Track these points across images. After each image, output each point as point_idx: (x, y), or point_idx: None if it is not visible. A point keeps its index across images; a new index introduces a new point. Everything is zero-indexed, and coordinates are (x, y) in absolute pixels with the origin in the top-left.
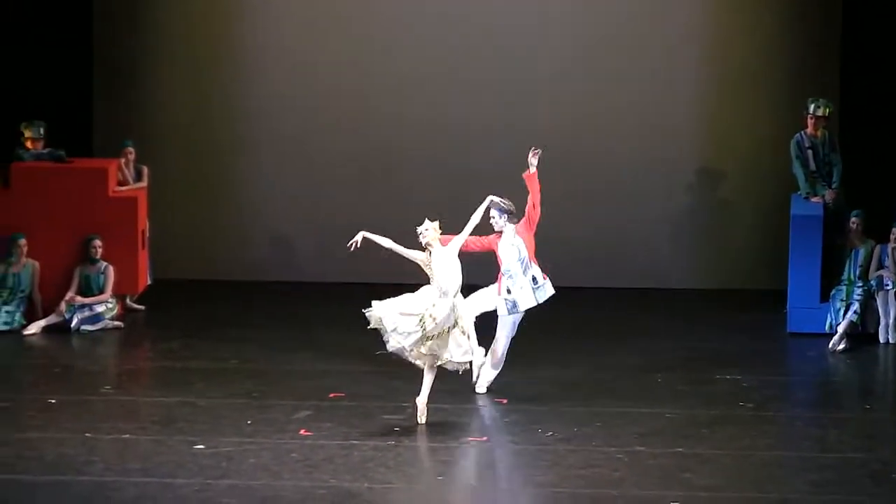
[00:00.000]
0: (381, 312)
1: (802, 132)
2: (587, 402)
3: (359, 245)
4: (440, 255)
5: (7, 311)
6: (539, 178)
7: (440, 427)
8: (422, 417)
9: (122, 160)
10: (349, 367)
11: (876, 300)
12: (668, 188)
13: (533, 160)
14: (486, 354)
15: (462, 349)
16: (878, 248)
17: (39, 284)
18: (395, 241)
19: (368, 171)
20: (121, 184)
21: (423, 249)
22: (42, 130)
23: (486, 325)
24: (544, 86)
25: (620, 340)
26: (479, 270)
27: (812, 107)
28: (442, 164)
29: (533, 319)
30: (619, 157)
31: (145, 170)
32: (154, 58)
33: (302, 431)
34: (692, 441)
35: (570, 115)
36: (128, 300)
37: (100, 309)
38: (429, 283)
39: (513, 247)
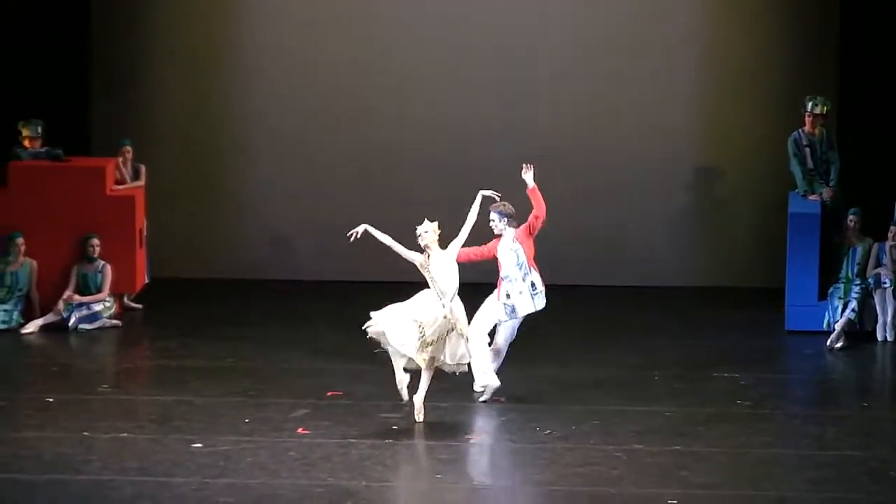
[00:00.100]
0: (383, 327)
1: (800, 130)
2: (584, 401)
3: (359, 235)
4: (438, 257)
5: (5, 310)
6: (537, 175)
7: (438, 426)
8: (419, 416)
9: (120, 159)
10: (347, 366)
11: (874, 298)
12: (666, 187)
13: (527, 176)
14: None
15: (460, 352)
16: (875, 246)
17: (37, 283)
18: (395, 241)
19: (368, 171)
20: (118, 183)
21: (422, 251)
22: (40, 129)
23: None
24: (544, 86)
25: (618, 338)
26: (478, 269)
27: (810, 105)
28: (442, 164)
29: (530, 318)
30: (617, 156)
31: (143, 169)
32: (152, 56)
33: (299, 430)
34: (690, 439)
35: (569, 114)
36: (125, 299)
37: (97, 308)
38: (425, 284)
39: (512, 252)
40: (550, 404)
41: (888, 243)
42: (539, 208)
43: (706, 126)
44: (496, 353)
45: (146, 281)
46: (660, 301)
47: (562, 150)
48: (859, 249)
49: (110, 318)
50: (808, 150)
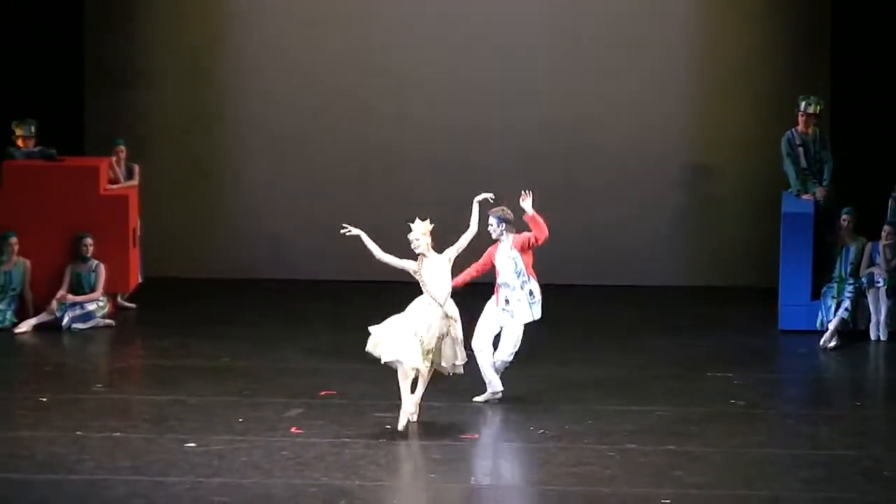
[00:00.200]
0: (384, 348)
1: (794, 130)
2: (578, 400)
3: (351, 233)
4: (432, 263)
5: None
6: (535, 172)
7: (432, 425)
8: (413, 416)
9: (114, 158)
10: (340, 365)
11: (867, 297)
12: (660, 186)
13: (525, 203)
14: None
15: (455, 355)
16: (869, 246)
17: (31, 282)
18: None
19: (368, 171)
20: (112, 182)
21: (415, 257)
22: (33, 129)
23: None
24: (543, 86)
25: (611, 338)
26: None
27: (803, 104)
28: (442, 164)
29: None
30: (611, 155)
31: (136, 168)
32: (146, 56)
33: (293, 429)
34: (683, 439)
35: (563, 114)
36: (119, 298)
37: (91, 307)
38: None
39: (510, 259)
40: (544, 404)
41: (881, 243)
42: (540, 233)
43: (700, 125)
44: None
45: (140, 280)
46: (653, 300)
47: (556, 150)
48: (853, 249)
49: (104, 317)
50: (801, 149)
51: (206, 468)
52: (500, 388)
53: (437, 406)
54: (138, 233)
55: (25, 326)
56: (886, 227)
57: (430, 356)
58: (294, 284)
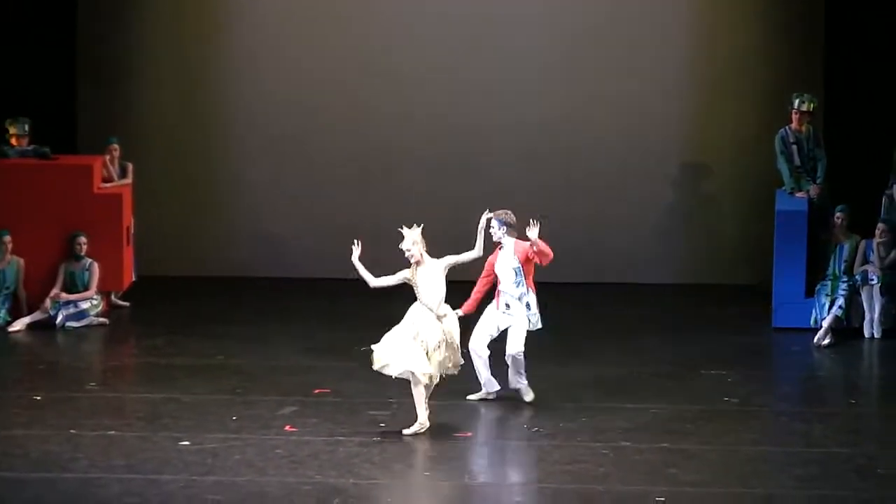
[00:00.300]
0: (392, 366)
1: (787, 127)
2: (572, 398)
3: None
4: (425, 269)
5: None
6: (534, 172)
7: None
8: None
9: (107, 157)
10: (334, 363)
11: (861, 295)
12: (653, 184)
13: (531, 233)
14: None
15: (450, 358)
16: (862, 243)
17: (24, 281)
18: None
19: (368, 170)
20: (105, 181)
21: (408, 266)
22: (27, 127)
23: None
24: (543, 86)
25: (605, 335)
26: (476, 270)
27: (797, 102)
28: (442, 164)
29: None
30: (606, 153)
31: (130, 166)
32: (140, 54)
33: (287, 427)
34: (677, 436)
35: (557, 112)
36: (113, 297)
37: (85, 306)
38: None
39: (511, 269)
40: (537, 401)
41: (875, 240)
42: (545, 260)
43: (693, 123)
44: (512, 363)
45: (133, 279)
46: (646, 298)
47: (556, 150)
48: (846, 246)
49: (97, 316)
50: (795, 147)
51: (199, 466)
52: (496, 387)
53: (430, 404)
54: (132, 231)
55: (19, 325)
56: (880, 225)
57: (434, 357)
58: (289, 282)
